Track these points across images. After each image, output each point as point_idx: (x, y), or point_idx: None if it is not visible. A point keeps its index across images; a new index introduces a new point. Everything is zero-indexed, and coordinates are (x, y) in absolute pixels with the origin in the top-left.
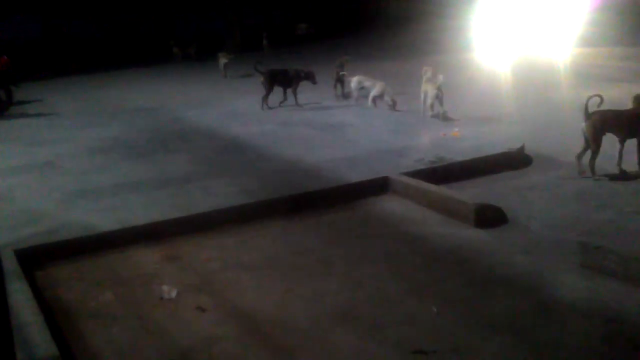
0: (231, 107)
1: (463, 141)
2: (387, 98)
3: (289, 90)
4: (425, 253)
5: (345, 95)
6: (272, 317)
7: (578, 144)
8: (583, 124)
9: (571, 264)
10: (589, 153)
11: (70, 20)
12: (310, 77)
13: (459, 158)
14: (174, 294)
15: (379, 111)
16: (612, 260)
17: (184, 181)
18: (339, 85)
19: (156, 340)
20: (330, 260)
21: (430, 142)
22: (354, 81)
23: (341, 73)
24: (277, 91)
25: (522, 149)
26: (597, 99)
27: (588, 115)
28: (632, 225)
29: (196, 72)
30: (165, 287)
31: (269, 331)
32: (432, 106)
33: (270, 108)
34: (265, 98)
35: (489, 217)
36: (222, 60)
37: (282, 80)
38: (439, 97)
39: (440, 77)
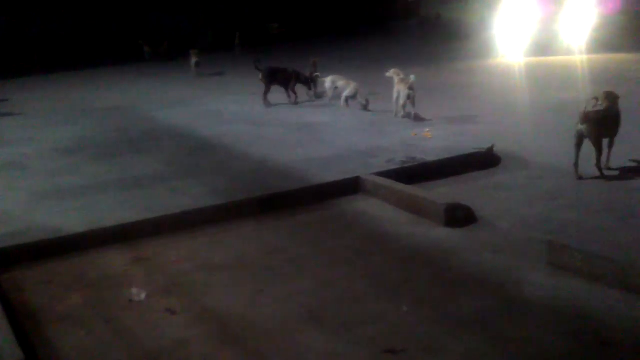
0: (203, 107)
1: (434, 141)
2: (359, 98)
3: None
4: (396, 252)
5: (318, 95)
6: (242, 318)
7: (546, 144)
8: (581, 127)
9: (538, 262)
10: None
11: (34, 19)
12: (307, 82)
13: (430, 158)
14: (143, 296)
15: (351, 111)
16: (577, 259)
17: (153, 182)
18: (311, 85)
19: (125, 344)
20: (302, 260)
21: (402, 143)
22: (327, 81)
23: (315, 74)
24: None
25: (491, 149)
26: (593, 102)
27: (586, 117)
28: (597, 224)
29: (167, 71)
30: (134, 290)
31: (239, 332)
32: (404, 106)
33: (271, 105)
34: (265, 95)
35: (459, 216)
36: (194, 58)
37: (282, 79)
38: (411, 97)
39: (412, 77)
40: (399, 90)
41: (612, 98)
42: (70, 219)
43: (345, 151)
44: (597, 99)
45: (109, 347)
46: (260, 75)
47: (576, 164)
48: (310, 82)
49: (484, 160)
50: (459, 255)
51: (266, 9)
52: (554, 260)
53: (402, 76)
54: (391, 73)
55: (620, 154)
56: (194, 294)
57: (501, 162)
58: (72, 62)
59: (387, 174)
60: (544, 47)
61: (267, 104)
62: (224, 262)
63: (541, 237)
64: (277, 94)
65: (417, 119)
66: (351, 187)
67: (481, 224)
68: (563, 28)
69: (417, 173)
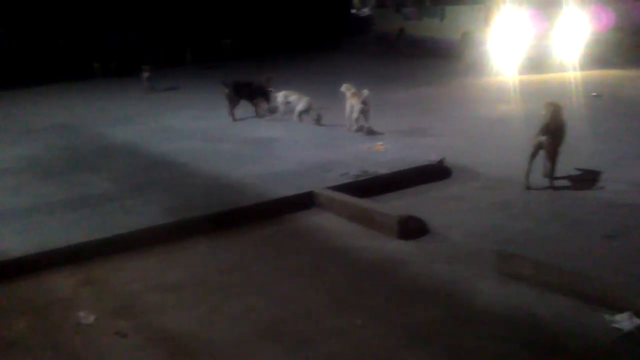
0: (155, 123)
1: (386, 154)
2: (312, 113)
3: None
4: (351, 266)
5: (272, 110)
6: (197, 338)
7: (495, 155)
8: (541, 138)
9: (489, 271)
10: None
11: None
12: (265, 96)
13: (383, 171)
14: (92, 319)
15: (304, 126)
16: (526, 267)
17: (104, 201)
18: (264, 100)
19: None
20: (257, 276)
21: (355, 156)
22: (280, 96)
23: (268, 89)
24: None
25: (442, 161)
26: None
27: (547, 129)
28: (545, 232)
29: (118, 87)
30: (82, 313)
31: (193, 353)
32: (357, 120)
33: (236, 120)
34: (231, 110)
35: (412, 228)
36: (145, 73)
37: (248, 92)
38: (364, 111)
39: (366, 92)
40: (352, 104)
41: (557, 109)
42: (15, 241)
43: (300, 166)
44: (546, 110)
45: None
46: (227, 91)
47: (528, 174)
48: (268, 97)
49: (436, 173)
50: (412, 266)
51: (219, 25)
52: (504, 269)
53: (353, 90)
54: (344, 88)
55: (566, 163)
56: (146, 315)
57: (452, 174)
58: (16, 80)
59: (340, 188)
60: (537, 64)
61: (234, 118)
62: (177, 282)
63: (491, 247)
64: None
65: (370, 132)
66: (305, 201)
67: (433, 235)
68: (556, 44)
69: (370, 186)
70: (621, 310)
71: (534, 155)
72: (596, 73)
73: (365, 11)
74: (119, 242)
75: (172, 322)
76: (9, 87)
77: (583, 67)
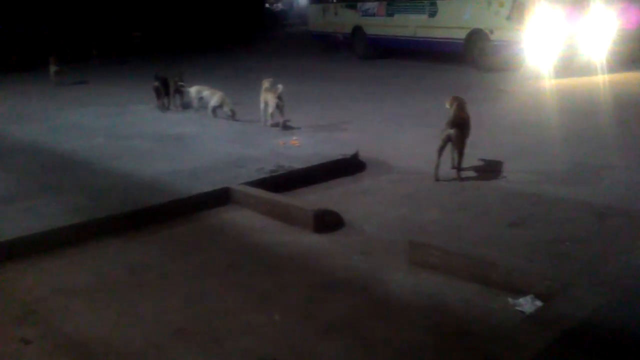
0: (58, 120)
1: (302, 149)
2: (226, 108)
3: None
4: (267, 262)
5: (185, 106)
6: (105, 342)
7: (406, 149)
8: (449, 131)
9: (401, 262)
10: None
11: None
12: (179, 91)
13: (298, 166)
14: None
15: (218, 122)
16: (435, 255)
17: (4, 201)
18: (177, 96)
19: None
20: (170, 276)
21: (270, 152)
22: (192, 91)
23: (179, 83)
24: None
25: (356, 155)
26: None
27: (455, 122)
28: (453, 222)
29: (18, 82)
30: None
31: (101, 358)
32: (272, 115)
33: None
34: (161, 102)
35: (327, 222)
36: (53, 67)
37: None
38: (279, 106)
39: (280, 87)
40: (267, 99)
41: (462, 102)
42: None
43: (214, 162)
44: (450, 104)
45: None
46: (157, 83)
47: (437, 167)
48: (182, 92)
49: (350, 167)
50: (328, 259)
51: (129, 17)
52: (415, 259)
53: (267, 86)
54: (264, 82)
55: (471, 155)
56: (52, 321)
57: (366, 167)
58: None
59: (256, 184)
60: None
61: (165, 109)
62: (85, 285)
63: (403, 238)
64: (139, 104)
65: (286, 127)
66: (220, 198)
67: (348, 228)
68: (584, 44)
69: (286, 181)
70: (524, 294)
71: (442, 148)
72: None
73: (279, 6)
74: (22, 245)
75: (80, 327)
76: None
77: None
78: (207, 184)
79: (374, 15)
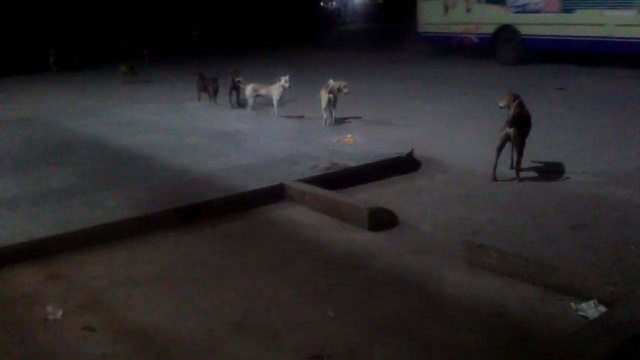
0: (118, 117)
1: (356, 147)
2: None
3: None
4: (321, 258)
5: (241, 103)
6: (165, 332)
7: (462, 148)
8: (509, 130)
9: (457, 262)
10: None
11: None
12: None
13: (352, 164)
14: (59, 314)
15: (272, 119)
16: (493, 257)
17: (68, 195)
18: (234, 93)
19: None
20: (226, 270)
21: (324, 149)
22: (248, 89)
23: (237, 79)
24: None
25: (411, 153)
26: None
27: (514, 121)
28: (511, 223)
29: (80, 80)
30: (49, 308)
31: (162, 347)
32: (325, 110)
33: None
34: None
35: (381, 220)
36: (124, 66)
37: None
38: (331, 101)
39: (331, 82)
40: (321, 96)
41: (521, 101)
42: None
43: (268, 159)
44: (507, 102)
45: None
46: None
47: (495, 167)
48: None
49: (405, 165)
50: (382, 258)
51: (187, 17)
52: (472, 260)
53: (330, 83)
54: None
55: (530, 155)
56: (114, 310)
57: (421, 166)
58: None
59: (310, 181)
60: None
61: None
62: (145, 276)
63: (459, 238)
64: (195, 101)
65: (338, 123)
66: (275, 194)
67: (402, 227)
68: None
69: (340, 179)
70: (586, 298)
71: (501, 147)
72: None
73: (333, 4)
74: (84, 237)
75: (140, 317)
76: None
77: None
78: (262, 180)
79: (537, 11)
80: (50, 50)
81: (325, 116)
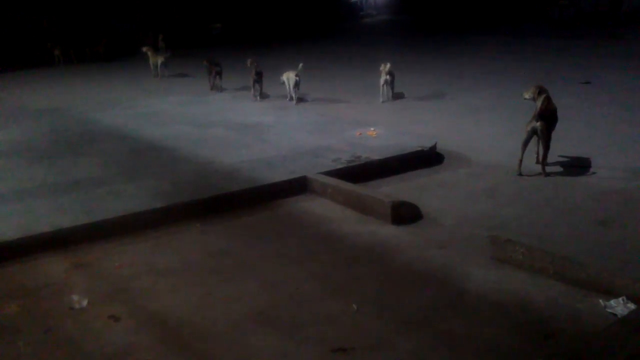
0: (143, 108)
1: (379, 140)
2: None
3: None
4: (344, 251)
5: (263, 96)
6: (189, 322)
7: (485, 142)
8: (536, 124)
9: (482, 257)
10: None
11: None
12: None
13: (375, 157)
14: (84, 303)
15: (295, 111)
16: (519, 253)
17: (93, 185)
18: (256, 85)
19: (66, 353)
20: (249, 261)
21: (347, 142)
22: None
23: (257, 70)
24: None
25: (434, 147)
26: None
27: (542, 114)
28: (538, 218)
29: (105, 72)
30: (74, 297)
31: (186, 337)
32: (382, 88)
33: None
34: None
35: (405, 214)
36: (160, 59)
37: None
38: (387, 82)
39: (388, 64)
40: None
41: (546, 93)
42: (4, 225)
43: (291, 151)
44: (532, 94)
45: (49, 357)
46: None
47: (521, 161)
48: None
49: (427, 159)
50: (405, 252)
51: (209, 9)
52: (497, 255)
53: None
54: (381, 67)
55: (556, 149)
56: (138, 300)
57: (444, 160)
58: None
59: (333, 173)
60: None
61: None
62: (169, 266)
63: (484, 233)
64: (216, 95)
65: (398, 97)
66: (298, 186)
67: (426, 220)
68: None
69: (363, 172)
70: (614, 295)
71: (527, 141)
72: None
73: None
74: (109, 227)
75: (164, 306)
76: None
77: None
78: (285, 172)
79: None
80: (50, 45)
81: (381, 93)
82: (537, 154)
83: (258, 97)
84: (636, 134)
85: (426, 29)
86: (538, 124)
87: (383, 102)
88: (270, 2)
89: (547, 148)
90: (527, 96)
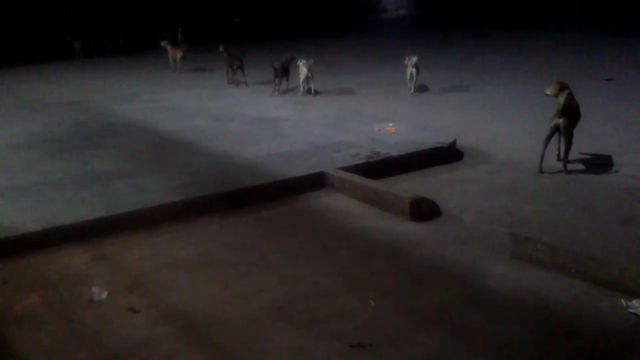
0: (162, 102)
1: (397, 136)
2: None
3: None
4: (362, 247)
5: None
6: (208, 316)
7: (505, 138)
8: (559, 120)
9: (502, 254)
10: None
11: None
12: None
13: (394, 153)
14: (104, 295)
15: (314, 105)
16: (540, 250)
17: (113, 178)
18: (284, 80)
19: (86, 344)
20: (267, 256)
21: (365, 137)
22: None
23: (275, 65)
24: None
25: (453, 143)
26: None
27: (565, 110)
28: (559, 216)
29: (125, 65)
30: (95, 289)
31: (205, 330)
32: (409, 81)
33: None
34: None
35: (424, 210)
36: (179, 54)
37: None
38: (412, 74)
39: (414, 58)
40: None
41: (568, 89)
42: (26, 218)
43: (309, 146)
44: (554, 91)
45: (70, 348)
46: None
47: (542, 157)
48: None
49: (447, 155)
50: (424, 248)
51: (228, 3)
52: (518, 252)
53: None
54: (406, 60)
55: (578, 147)
56: (158, 292)
57: (463, 156)
58: (16, 57)
59: (351, 169)
60: None
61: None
62: (187, 260)
63: (504, 230)
64: (232, 89)
65: (421, 90)
66: (316, 182)
67: (445, 217)
68: None
69: (382, 167)
70: (637, 295)
71: (549, 138)
72: None
73: None
74: (129, 220)
75: (183, 299)
76: (14, 64)
77: None
78: (303, 167)
79: None
80: (69, 38)
81: (409, 85)
82: (559, 150)
83: (276, 92)
84: None
85: (446, 24)
86: (561, 120)
87: (413, 94)
88: None
89: (569, 145)
90: (548, 92)
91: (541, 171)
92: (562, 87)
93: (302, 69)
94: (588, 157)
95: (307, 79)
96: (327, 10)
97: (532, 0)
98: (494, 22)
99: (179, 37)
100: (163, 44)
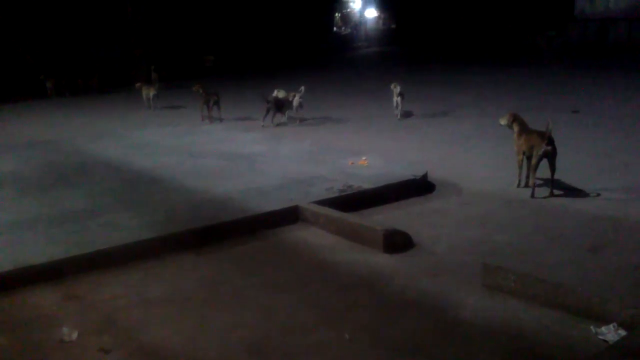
0: (135, 139)
1: (371, 169)
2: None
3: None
4: (337, 280)
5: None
6: (181, 353)
7: (475, 170)
8: (547, 148)
9: (474, 284)
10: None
11: None
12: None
13: (367, 186)
14: (74, 335)
15: (287, 140)
16: (511, 280)
17: (85, 216)
18: (277, 115)
19: None
20: (242, 291)
21: (339, 171)
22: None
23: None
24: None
25: (425, 176)
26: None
27: (550, 140)
28: (529, 245)
29: (98, 104)
30: (65, 329)
31: None
32: (396, 108)
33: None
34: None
35: (397, 242)
36: (151, 92)
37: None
38: (397, 103)
39: (398, 86)
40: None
41: (521, 119)
42: None
43: (283, 180)
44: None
45: None
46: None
47: (535, 186)
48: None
49: (419, 187)
50: (398, 280)
51: (202, 41)
52: (489, 282)
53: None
54: (392, 86)
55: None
56: (130, 331)
57: (435, 188)
58: None
59: (325, 202)
60: None
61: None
62: (161, 297)
63: (476, 260)
64: (214, 125)
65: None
66: (290, 216)
67: (418, 249)
68: None
69: (355, 201)
70: (606, 322)
71: (537, 165)
72: None
73: (347, 30)
74: (101, 258)
75: (156, 338)
76: None
77: None
78: (277, 202)
79: None
80: (42, 77)
81: (396, 112)
82: (527, 178)
83: (270, 123)
84: (625, 160)
85: (416, 60)
86: (550, 147)
87: (400, 118)
88: (264, 34)
89: (554, 170)
90: (502, 122)
91: (532, 196)
92: (515, 117)
93: (296, 98)
94: (558, 185)
95: (300, 105)
96: (302, 47)
97: (500, 38)
98: (463, 58)
99: (153, 75)
100: (137, 86)
